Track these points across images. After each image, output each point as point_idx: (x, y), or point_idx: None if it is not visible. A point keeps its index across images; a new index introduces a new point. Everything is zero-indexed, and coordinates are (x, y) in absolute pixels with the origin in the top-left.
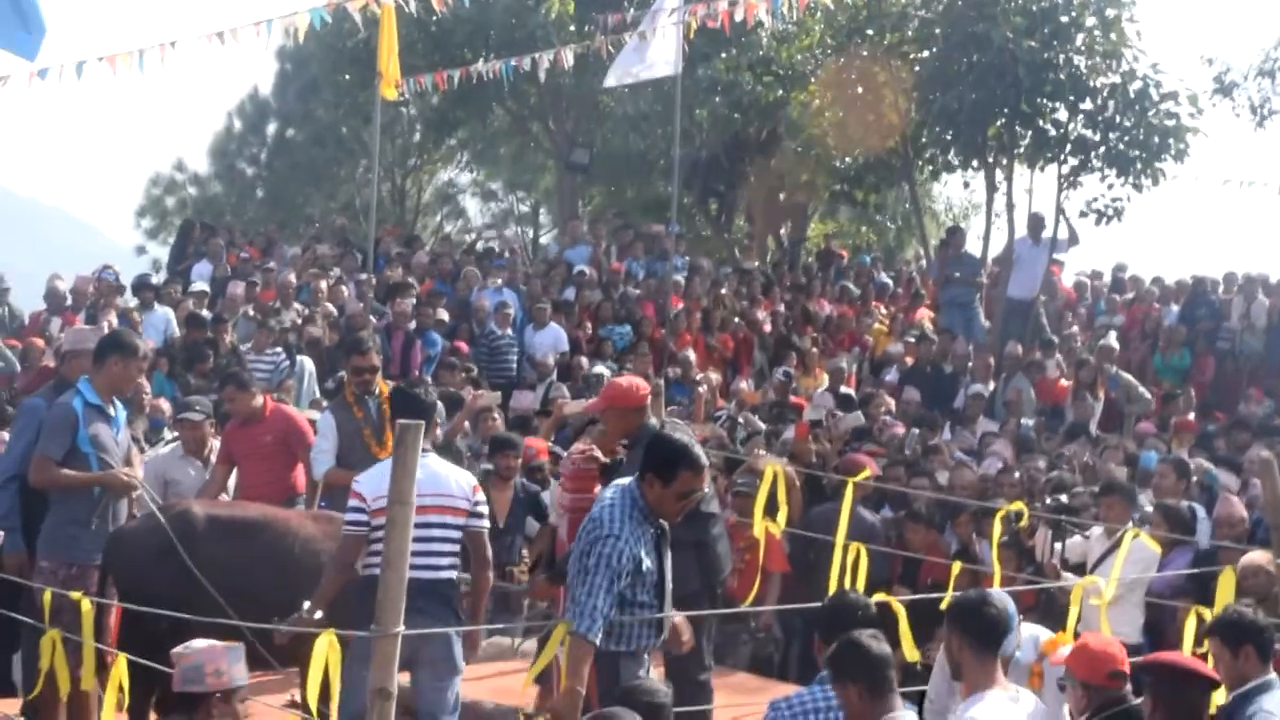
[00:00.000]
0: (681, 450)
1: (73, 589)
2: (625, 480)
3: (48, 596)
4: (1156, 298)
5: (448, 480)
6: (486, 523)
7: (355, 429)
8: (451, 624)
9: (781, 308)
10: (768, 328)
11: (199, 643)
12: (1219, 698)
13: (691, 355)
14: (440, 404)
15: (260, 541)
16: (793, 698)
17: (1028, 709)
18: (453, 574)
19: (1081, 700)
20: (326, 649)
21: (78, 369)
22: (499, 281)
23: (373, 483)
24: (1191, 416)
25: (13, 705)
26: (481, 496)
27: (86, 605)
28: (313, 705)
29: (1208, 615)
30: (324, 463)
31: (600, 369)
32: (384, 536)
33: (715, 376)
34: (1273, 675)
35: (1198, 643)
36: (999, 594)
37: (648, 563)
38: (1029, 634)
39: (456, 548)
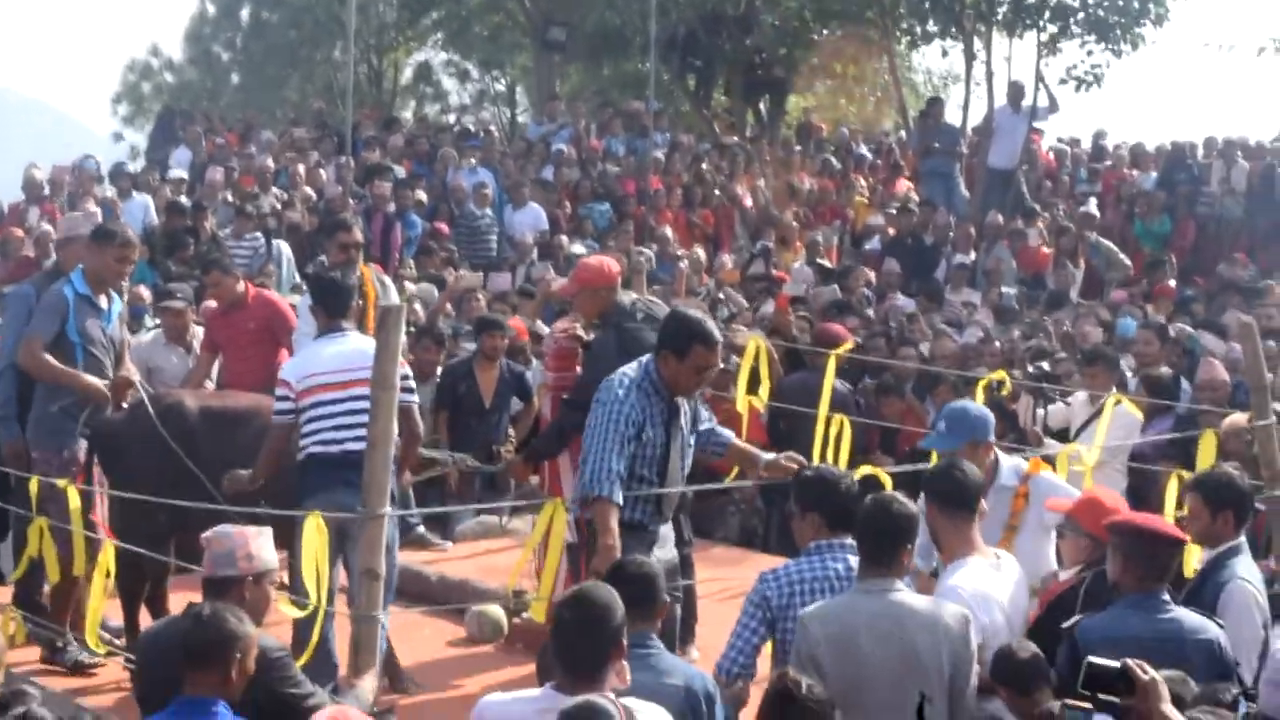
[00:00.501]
0: (695, 325)
1: (66, 477)
2: (645, 358)
3: (34, 484)
4: (1128, 163)
5: (369, 356)
6: (416, 397)
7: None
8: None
9: (761, 182)
10: (748, 202)
11: (229, 527)
12: (1193, 558)
13: (670, 231)
14: (429, 285)
15: (253, 430)
16: (780, 569)
17: (1011, 576)
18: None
19: (1086, 550)
20: (315, 531)
21: (72, 256)
22: (473, 161)
23: (296, 368)
24: (1172, 282)
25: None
26: (409, 371)
27: (74, 496)
28: (310, 587)
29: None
30: (310, 325)
31: (579, 248)
32: (368, 419)
33: (699, 252)
34: (1243, 539)
35: (1178, 506)
36: (968, 462)
37: (650, 432)
38: (1010, 464)
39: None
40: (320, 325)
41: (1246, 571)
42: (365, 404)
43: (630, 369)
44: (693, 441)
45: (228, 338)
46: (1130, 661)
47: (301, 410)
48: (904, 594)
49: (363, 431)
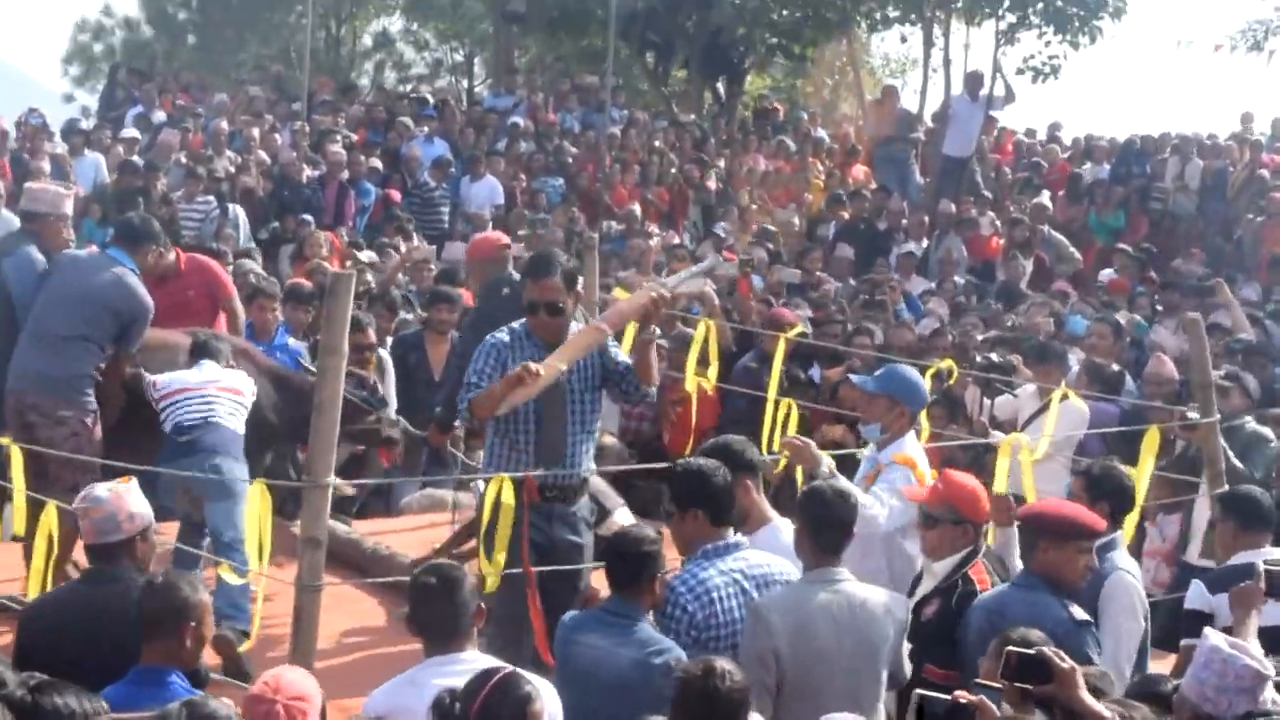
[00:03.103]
0: (527, 262)
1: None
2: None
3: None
4: (1065, 155)
5: (229, 379)
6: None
7: None
8: (238, 451)
9: (721, 163)
10: (711, 185)
11: (99, 490)
12: None
13: (638, 209)
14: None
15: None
16: (687, 579)
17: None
18: (217, 420)
19: (959, 539)
20: (257, 499)
21: (51, 230)
22: (425, 130)
23: (167, 380)
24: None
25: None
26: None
27: (17, 454)
28: (251, 556)
29: (1133, 474)
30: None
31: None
32: (317, 383)
33: (654, 231)
34: (1119, 534)
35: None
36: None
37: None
38: (896, 448)
39: (229, 408)
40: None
41: (1126, 563)
42: (217, 395)
43: (513, 325)
44: (588, 395)
45: (165, 307)
46: (1048, 650)
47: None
48: (851, 583)
49: (215, 411)
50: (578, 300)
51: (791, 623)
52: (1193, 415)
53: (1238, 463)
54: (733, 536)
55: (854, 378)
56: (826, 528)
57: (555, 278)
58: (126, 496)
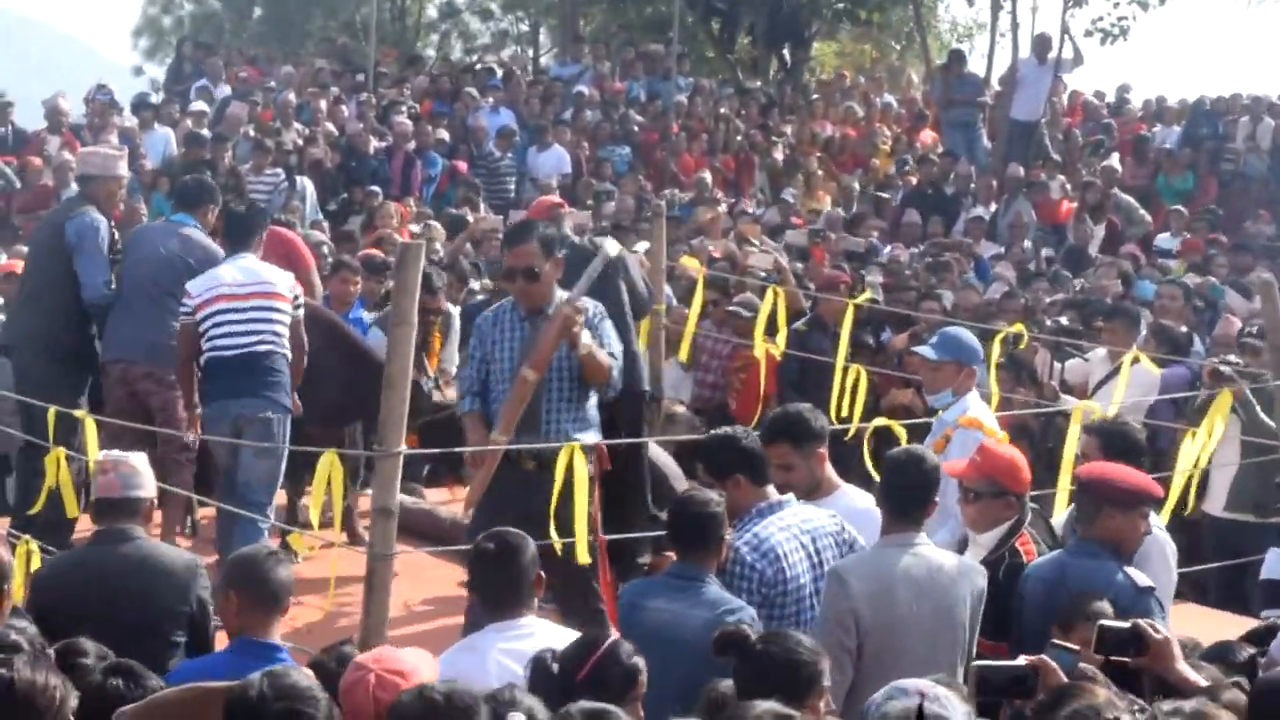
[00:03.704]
0: (505, 233)
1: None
2: None
3: (52, 414)
4: (1139, 116)
5: (265, 273)
6: (302, 313)
7: None
8: (272, 401)
9: (788, 129)
10: (777, 155)
11: (119, 453)
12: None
13: (708, 177)
14: (436, 224)
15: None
16: (750, 539)
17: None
18: (265, 348)
19: (1002, 511)
20: (330, 466)
21: (105, 192)
22: (491, 101)
23: (198, 284)
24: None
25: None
26: (300, 290)
27: (91, 425)
28: (314, 518)
29: (1202, 436)
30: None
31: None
32: (388, 354)
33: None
34: None
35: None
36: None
37: (497, 356)
38: (964, 406)
39: (273, 329)
40: (225, 251)
41: (1155, 520)
42: (264, 314)
43: (502, 302)
44: (566, 364)
45: None
46: (1142, 622)
47: (202, 320)
48: (929, 548)
49: (261, 336)
50: (557, 266)
51: (871, 587)
52: (1224, 368)
53: (1267, 419)
54: (776, 495)
55: (917, 349)
56: (906, 494)
57: (531, 244)
58: (145, 463)
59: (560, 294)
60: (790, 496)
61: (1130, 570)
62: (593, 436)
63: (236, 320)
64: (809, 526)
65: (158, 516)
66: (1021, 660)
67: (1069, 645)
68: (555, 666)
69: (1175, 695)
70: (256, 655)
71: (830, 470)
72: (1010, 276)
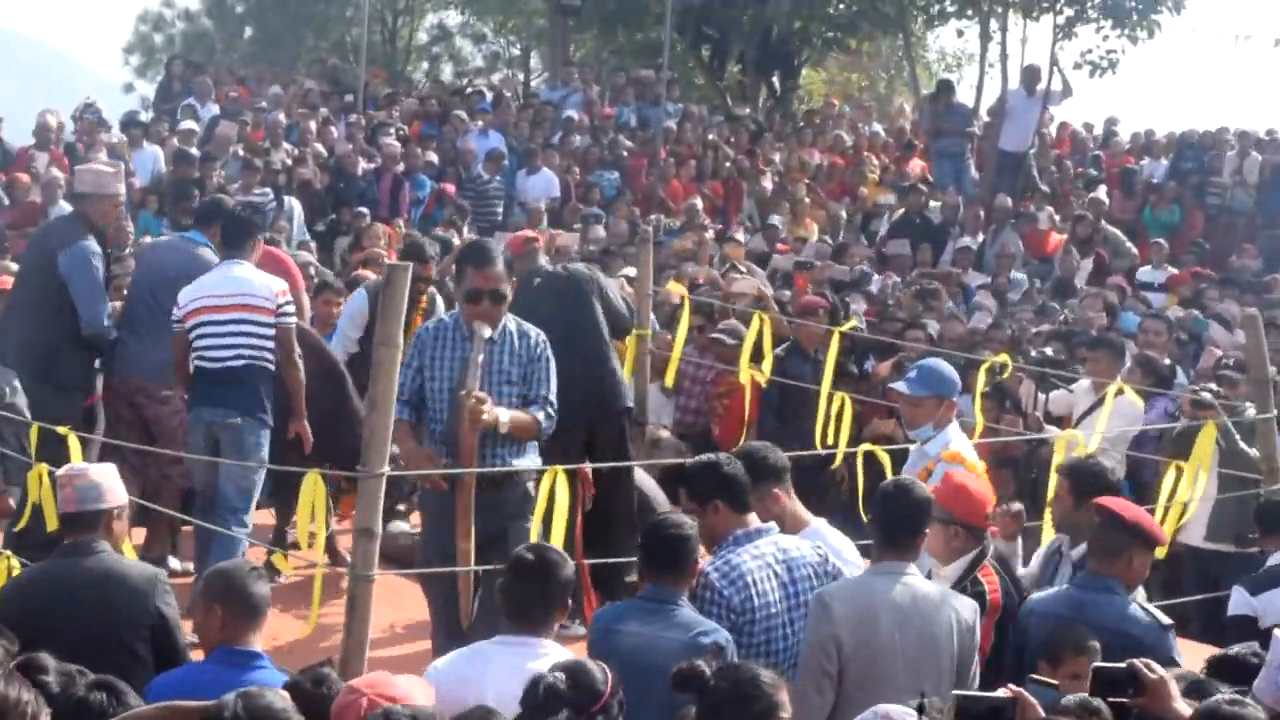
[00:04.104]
0: (467, 248)
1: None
2: None
3: (35, 430)
4: (1127, 149)
5: (250, 283)
6: (292, 320)
7: None
8: (245, 410)
9: (776, 157)
10: (765, 183)
11: (81, 465)
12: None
13: (699, 203)
14: (429, 245)
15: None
16: (718, 565)
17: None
18: (244, 363)
19: (955, 541)
20: (313, 487)
21: (99, 212)
22: (480, 124)
23: (186, 293)
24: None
25: None
26: (288, 298)
27: (75, 443)
28: (302, 541)
29: (1185, 468)
30: (348, 339)
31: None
32: (372, 376)
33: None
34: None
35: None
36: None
37: (433, 374)
38: (945, 439)
39: (255, 340)
40: (221, 255)
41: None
42: (243, 326)
43: (443, 317)
44: (510, 392)
45: None
46: (1138, 662)
47: (190, 329)
48: (917, 578)
49: (238, 350)
50: (514, 288)
51: (854, 612)
52: (1205, 395)
53: (1248, 449)
54: (757, 522)
55: (896, 386)
56: (895, 523)
57: (499, 266)
58: (108, 474)
59: (508, 318)
60: (772, 525)
61: (1149, 606)
62: (533, 460)
63: (216, 334)
64: (785, 556)
65: (140, 534)
66: (1001, 692)
67: (1049, 680)
68: (567, 690)
69: None
70: (238, 664)
71: (799, 507)
72: (991, 305)
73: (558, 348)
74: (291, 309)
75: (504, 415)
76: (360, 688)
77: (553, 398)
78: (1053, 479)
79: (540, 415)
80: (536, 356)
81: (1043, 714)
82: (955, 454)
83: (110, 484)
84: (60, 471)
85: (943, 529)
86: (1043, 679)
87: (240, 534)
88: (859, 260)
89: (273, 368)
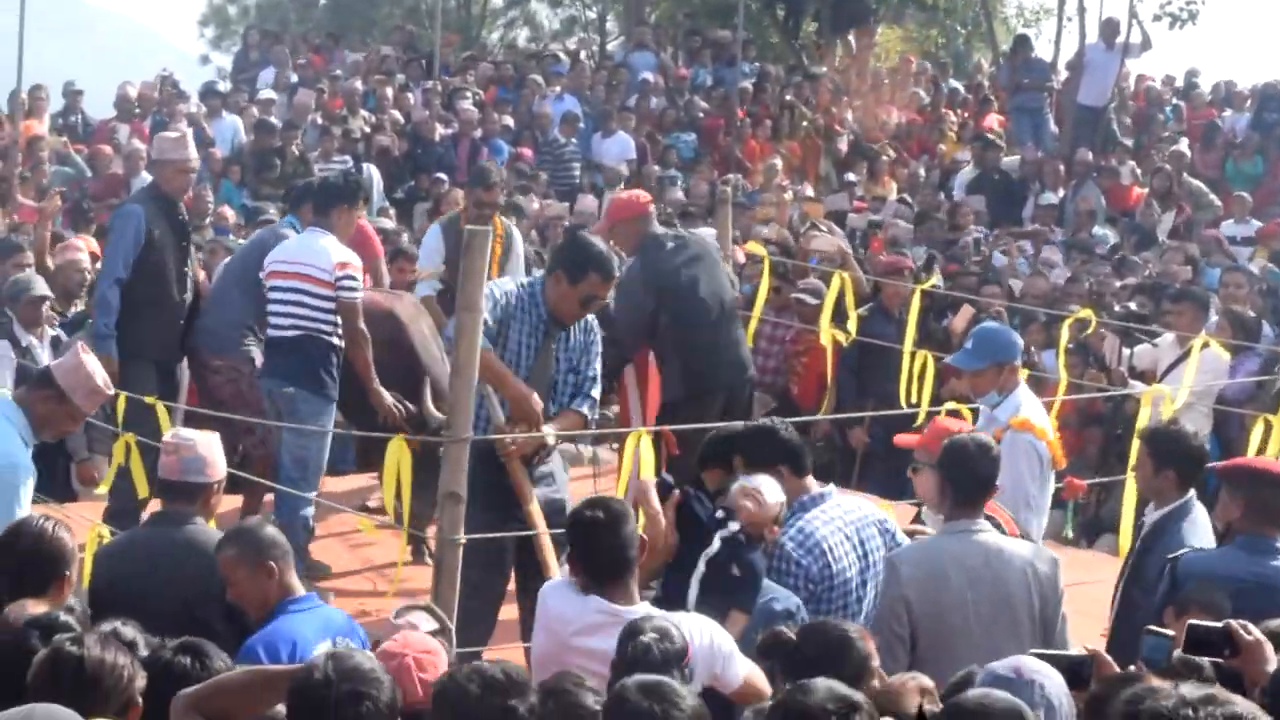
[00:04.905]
0: (595, 254)
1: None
2: (534, 276)
3: (121, 400)
4: (1208, 102)
5: (315, 253)
6: (354, 294)
7: (459, 255)
8: (298, 380)
9: (850, 115)
10: (843, 144)
11: (189, 433)
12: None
13: (778, 163)
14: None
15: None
16: (794, 533)
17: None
18: (300, 333)
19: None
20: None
21: (164, 178)
22: (557, 89)
23: (270, 256)
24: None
25: (83, 509)
26: (349, 271)
27: (163, 413)
28: (388, 506)
29: (1275, 422)
30: (431, 261)
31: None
32: (453, 343)
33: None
34: (1191, 497)
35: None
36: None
37: (516, 334)
38: (1016, 402)
39: (311, 312)
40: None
41: (1197, 538)
42: (299, 296)
43: (514, 280)
44: (570, 379)
45: None
46: (1234, 623)
47: (266, 292)
48: (990, 534)
49: (295, 320)
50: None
51: (922, 573)
52: None
53: None
54: (817, 486)
55: (953, 360)
56: (967, 481)
57: (613, 282)
58: (214, 446)
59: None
60: (831, 487)
61: None
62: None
63: (278, 300)
64: (853, 518)
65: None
66: (1079, 650)
67: (1166, 631)
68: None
69: None
70: (310, 608)
71: (809, 483)
72: (1055, 259)
73: (704, 313)
74: (352, 282)
75: (551, 437)
76: (395, 650)
77: (599, 380)
78: (1135, 441)
79: (585, 408)
80: (591, 340)
81: (1117, 670)
82: (1024, 421)
83: (214, 457)
84: (167, 436)
85: (934, 474)
86: (1160, 630)
87: (304, 503)
88: (969, 216)
89: (335, 340)
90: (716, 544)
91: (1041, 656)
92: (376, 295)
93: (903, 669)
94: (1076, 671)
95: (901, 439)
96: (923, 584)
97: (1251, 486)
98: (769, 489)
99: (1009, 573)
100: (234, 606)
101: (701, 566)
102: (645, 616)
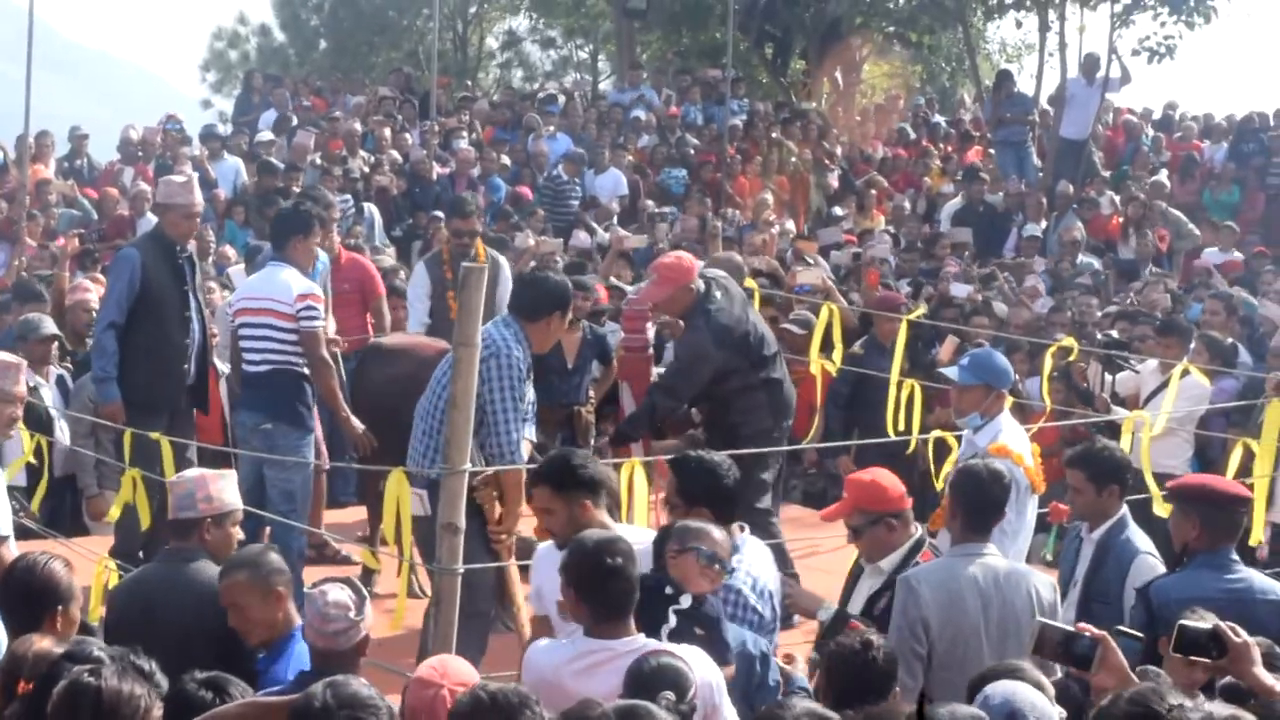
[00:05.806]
0: (558, 294)
1: None
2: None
3: (128, 436)
4: (1195, 134)
5: (276, 287)
6: (315, 324)
7: (443, 288)
8: (275, 414)
9: (839, 150)
10: (832, 179)
11: (192, 471)
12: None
13: (769, 198)
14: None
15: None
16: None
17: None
18: (271, 368)
19: (886, 535)
20: (397, 485)
21: (169, 221)
22: (550, 129)
23: (234, 295)
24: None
25: (93, 543)
26: (310, 301)
27: (166, 448)
28: (389, 538)
29: (1254, 446)
30: (418, 311)
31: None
32: (451, 377)
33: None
34: (1125, 510)
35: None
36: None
37: (530, 392)
38: (995, 430)
39: (279, 345)
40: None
41: (1144, 544)
42: (268, 331)
43: (499, 327)
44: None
45: None
46: (1222, 624)
47: (235, 329)
48: (997, 558)
49: (265, 355)
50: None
51: (942, 595)
52: None
53: None
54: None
55: (945, 369)
56: (979, 507)
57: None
58: (213, 481)
59: None
60: (742, 536)
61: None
62: None
63: (248, 336)
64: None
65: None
66: (1087, 630)
67: (1135, 633)
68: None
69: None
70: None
71: (605, 518)
72: (1041, 289)
73: (759, 353)
74: (313, 313)
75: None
76: (432, 679)
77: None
78: None
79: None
80: (483, 377)
81: (1122, 657)
82: (1002, 447)
83: (210, 492)
84: (174, 478)
85: (861, 533)
86: (1129, 631)
87: (293, 534)
88: (946, 249)
89: (307, 370)
90: (673, 620)
91: (1049, 627)
92: (424, 340)
93: (919, 688)
94: (1084, 654)
95: (826, 513)
96: (943, 606)
97: (1206, 504)
98: (724, 547)
99: (1016, 596)
100: (227, 642)
101: (666, 642)
102: (654, 652)
